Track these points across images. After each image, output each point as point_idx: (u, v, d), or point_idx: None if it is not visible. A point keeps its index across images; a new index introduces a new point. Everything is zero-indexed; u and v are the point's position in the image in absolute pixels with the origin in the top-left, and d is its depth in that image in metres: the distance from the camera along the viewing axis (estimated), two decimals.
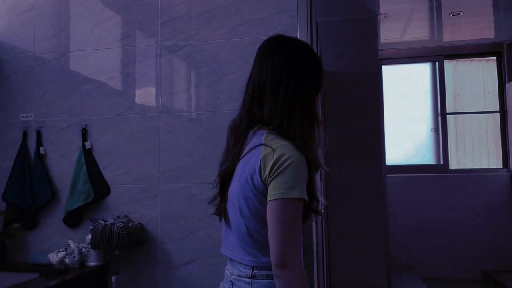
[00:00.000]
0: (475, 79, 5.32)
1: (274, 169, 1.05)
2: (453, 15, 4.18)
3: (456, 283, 4.74)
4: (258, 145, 1.10)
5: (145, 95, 2.30)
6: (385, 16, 4.15)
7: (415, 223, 4.94)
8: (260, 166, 1.07)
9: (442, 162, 5.09)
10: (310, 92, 1.16)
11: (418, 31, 4.65)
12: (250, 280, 1.14)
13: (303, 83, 1.14)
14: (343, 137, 3.90)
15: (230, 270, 1.20)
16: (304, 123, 1.11)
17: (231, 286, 1.18)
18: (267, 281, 1.12)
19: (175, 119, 2.24)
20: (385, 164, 4.13)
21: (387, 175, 4.26)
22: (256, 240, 1.13)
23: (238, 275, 1.16)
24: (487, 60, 5.29)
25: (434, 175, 5.00)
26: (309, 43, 2.00)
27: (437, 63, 5.20)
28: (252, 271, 1.14)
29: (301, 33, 2.00)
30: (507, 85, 4.95)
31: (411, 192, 4.99)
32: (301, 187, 1.06)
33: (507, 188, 4.86)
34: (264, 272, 1.12)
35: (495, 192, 4.88)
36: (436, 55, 5.18)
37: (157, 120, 2.26)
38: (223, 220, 1.23)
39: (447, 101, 5.16)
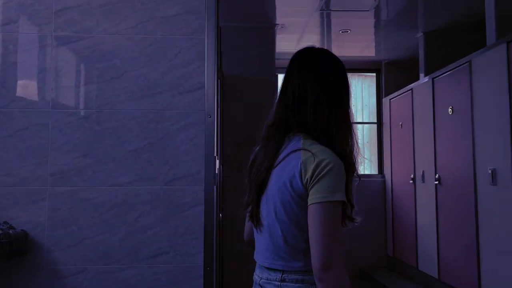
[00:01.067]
0: (358, 92, 5.84)
1: (316, 173, 1.08)
2: (342, 32, 4.54)
3: None
4: (295, 150, 1.14)
5: (33, 88, 2.07)
6: (282, 27, 4.35)
7: None
8: (300, 170, 1.10)
9: None
10: (347, 102, 1.22)
11: (311, 44, 4.96)
12: (279, 283, 1.16)
13: (342, 94, 1.21)
14: (237, 143, 3.97)
15: (259, 275, 1.23)
16: (343, 130, 1.17)
17: None
18: (297, 285, 1.14)
19: (68, 116, 2.06)
20: None
21: None
22: (289, 244, 1.15)
23: (267, 279, 1.19)
24: (365, 76, 5.84)
25: None
26: (215, 46, 2.00)
27: None
28: (282, 275, 1.16)
29: (208, 36, 1.99)
30: (383, 99, 5.52)
31: None
32: (342, 191, 1.10)
33: (382, 193, 5.41)
34: (294, 277, 1.14)
35: (372, 196, 5.39)
36: None
37: (47, 117, 2.05)
38: (252, 225, 1.25)
39: None
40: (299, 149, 1.13)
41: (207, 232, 1.97)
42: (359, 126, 5.70)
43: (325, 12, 4.01)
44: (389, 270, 5.13)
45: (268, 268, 1.19)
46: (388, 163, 5.31)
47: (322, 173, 1.08)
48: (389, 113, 5.29)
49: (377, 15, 4.10)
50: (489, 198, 3.19)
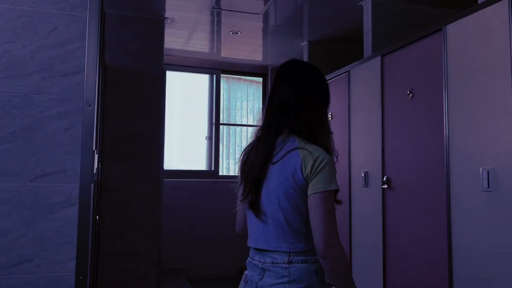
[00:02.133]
0: (245, 95, 5.91)
1: (315, 167, 1.29)
2: (232, 33, 4.54)
3: (220, 281, 5.09)
4: (294, 149, 1.33)
5: None
6: (172, 21, 4.18)
7: (187, 226, 5.09)
8: (301, 166, 1.30)
9: (213, 169, 5.42)
10: (325, 108, 1.45)
11: (200, 42, 4.87)
12: (287, 265, 1.31)
13: (321, 102, 1.43)
14: (119, 138, 3.70)
15: (259, 260, 1.37)
16: (324, 131, 1.40)
17: (262, 273, 1.35)
18: (303, 265, 1.32)
19: None
20: (163, 168, 4.11)
21: (164, 180, 4.25)
22: (293, 228, 1.33)
23: (272, 262, 1.34)
24: (251, 81, 5.95)
25: (206, 180, 5.28)
26: (98, 26, 1.79)
27: (214, 76, 5.55)
28: (289, 257, 1.32)
29: (91, 14, 1.77)
30: None
31: (184, 196, 5.13)
32: (336, 181, 1.32)
33: None
34: (299, 258, 1.33)
35: None
36: (214, 68, 5.53)
37: None
38: (250, 215, 1.41)
39: (222, 112, 5.56)
40: (297, 148, 1.34)
41: (81, 236, 1.73)
42: (244, 128, 5.77)
43: (216, 11, 3.96)
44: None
45: (273, 251, 1.35)
46: None
47: (320, 167, 1.30)
48: None
49: (266, 20, 4.18)
50: (361, 200, 3.44)
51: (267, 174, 1.36)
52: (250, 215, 1.43)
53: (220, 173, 5.46)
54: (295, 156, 1.33)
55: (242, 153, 1.50)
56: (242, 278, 1.45)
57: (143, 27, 3.91)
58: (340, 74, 3.87)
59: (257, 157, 1.39)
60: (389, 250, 3.09)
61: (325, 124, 1.43)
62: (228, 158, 5.66)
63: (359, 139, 3.52)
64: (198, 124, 5.49)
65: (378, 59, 3.27)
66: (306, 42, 4.72)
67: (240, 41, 4.80)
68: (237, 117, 5.76)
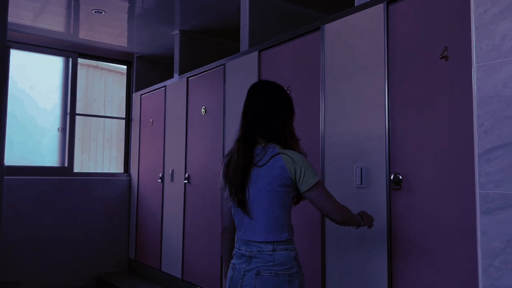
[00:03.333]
0: (106, 84, 5.36)
1: (299, 169, 1.63)
2: (95, 11, 4.03)
3: None
4: (276, 154, 1.64)
5: None
6: None
7: (32, 232, 4.38)
8: (285, 167, 1.62)
9: (67, 165, 4.79)
10: (292, 120, 1.76)
11: (54, 19, 4.22)
12: (272, 253, 1.62)
13: (288, 115, 1.74)
14: None
15: (246, 249, 1.66)
16: (293, 139, 1.71)
17: (249, 260, 1.64)
18: (284, 252, 1.62)
19: None
20: (3, 164, 3.42)
21: (4, 177, 3.55)
22: (279, 222, 1.64)
23: (259, 251, 1.63)
24: (116, 71, 5.45)
25: (58, 178, 4.63)
26: None
27: (70, 59, 4.90)
28: (273, 246, 1.62)
29: None
30: (133, 94, 5.25)
31: (30, 197, 4.40)
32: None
33: (127, 193, 5.11)
34: (282, 246, 1.63)
35: (116, 196, 5.02)
36: (70, 50, 4.88)
37: None
38: (238, 212, 1.70)
39: (78, 101, 4.94)
40: (278, 153, 1.65)
41: None
42: (110, 120, 5.24)
43: None
44: (130, 274, 4.86)
45: (260, 242, 1.63)
46: (135, 161, 5.05)
47: (303, 167, 1.64)
48: (139, 109, 5.05)
49: (133, 1, 3.80)
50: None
51: (252, 176, 1.66)
52: (238, 212, 1.70)
53: (75, 170, 4.85)
54: (279, 159, 1.64)
55: (224, 160, 1.79)
56: (230, 267, 1.72)
57: None
58: (214, 68, 3.73)
59: (238, 163, 1.66)
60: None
61: (293, 133, 1.75)
62: (82, 153, 5.06)
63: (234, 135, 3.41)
64: (49, 114, 4.78)
65: (256, 54, 3.21)
66: (178, 31, 4.46)
67: (103, 22, 4.29)
68: (93, 108, 5.19)
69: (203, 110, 3.83)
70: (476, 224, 1.53)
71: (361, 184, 2.35)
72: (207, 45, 4.60)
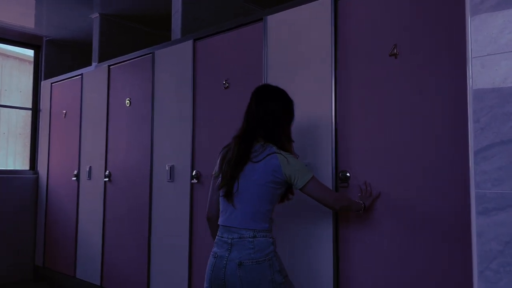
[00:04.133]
0: (8, 72, 4.74)
1: (294, 169, 1.78)
2: None
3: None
4: (272, 153, 1.79)
5: None
6: None
7: None
8: (280, 166, 1.77)
9: None
10: (291, 124, 1.94)
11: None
12: (252, 239, 1.74)
13: (288, 120, 1.92)
14: None
15: (228, 236, 1.77)
16: (289, 142, 1.90)
17: (229, 247, 1.75)
18: (263, 239, 1.75)
19: None
20: None
21: None
22: (263, 213, 1.77)
23: (239, 237, 1.74)
24: (21, 59, 4.84)
25: None
26: None
27: None
28: (254, 232, 1.75)
29: None
30: (42, 82, 4.70)
31: None
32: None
33: (34, 192, 4.56)
34: (261, 234, 1.76)
35: (20, 196, 4.45)
36: None
37: None
38: (224, 200, 1.82)
39: None
40: (275, 152, 1.79)
41: None
42: (12, 112, 4.62)
43: None
44: (37, 283, 4.35)
45: (242, 229, 1.75)
46: (44, 157, 4.52)
47: (298, 166, 1.80)
48: (49, 99, 4.53)
49: None
50: (166, 195, 3.12)
51: (246, 170, 1.78)
52: (224, 200, 1.82)
53: None
54: (275, 158, 1.77)
55: (222, 151, 1.92)
56: (211, 255, 1.80)
57: None
58: (141, 56, 3.44)
59: (233, 157, 1.80)
60: (195, 233, 2.88)
61: (289, 135, 1.91)
62: None
63: (165, 129, 3.17)
64: None
65: (190, 43, 3.01)
66: (98, 15, 4.05)
67: None
68: None
69: (127, 101, 3.52)
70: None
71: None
72: (130, 32, 4.25)
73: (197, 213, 2.88)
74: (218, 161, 1.92)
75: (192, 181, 2.89)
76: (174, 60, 3.15)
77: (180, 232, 2.96)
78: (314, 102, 2.29)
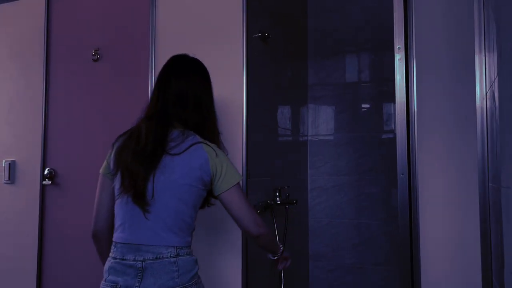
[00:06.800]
0: None
1: (221, 164, 1.32)
2: None
3: None
4: (197, 143, 1.32)
5: None
6: None
7: None
8: (208, 160, 1.31)
9: None
10: (214, 106, 1.45)
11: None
12: (175, 259, 1.26)
13: (211, 100, 1.44)
14: None
15: (135, 258, 1.25)
16: (216, 129, 1.42)
17: (139, 273, 1.24)
18: (188, 257, 1.30)
19: None
20: None
21: None
22: (186, 223, 1.31)
23: (156, 258, 1.25)
24: None
25: None
26: None
27: None
28: (176, 250, 1.28)
29: None
30: None
31: None
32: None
33: None
34: (186, 250, 1.31)
35: None
36: None
37: None
38: (128, 208, 1.29)
39: None
40: (200, 142, 1.33)
41: None
42: None
43: None
44: None
45: (159, 246, 1.26)
46: None
47: (225, 163, 1.34)
48: None
49: None
50: (1, 201, 2.30)
51: (161, 165, 1.29)
52: (129, 208, 1.30)
53: None
54: (200, 149, 1.32)
55: (118, 140, 1.39)
56: (105, 286, 1.28)
57: None
58: None
59: (146, 148, 1.30)
60: (47, 254, 2.16)
61: (216, 122, 1.44)
62: None
63: (11, 114, 2.34)
64: None
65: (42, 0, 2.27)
66: None
67: None
68: None
69: None
70: None
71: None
72: None
73: (50, 226, 2.16)
74: (113, 153, 1.37)
75: (44, 182, 2.17)
76: (16, 21, 2.34)
77: (24, 252, 2.20)
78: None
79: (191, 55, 1.47)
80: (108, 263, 1.30)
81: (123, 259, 1.27)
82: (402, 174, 1.47)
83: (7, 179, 2.25)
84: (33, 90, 2.24)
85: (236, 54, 1.83)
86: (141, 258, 1.25)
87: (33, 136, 2.21)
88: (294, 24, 2.69)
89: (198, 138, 1.35)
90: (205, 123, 1.40)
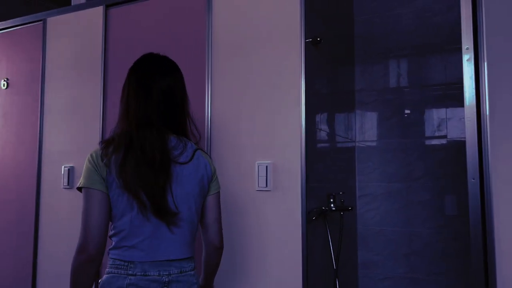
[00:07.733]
0: None
1: (215, 170, 1.37)
2: None
3: None
4: (196, 149, 1.32)
5: None
6: None
7: None
8: (210, 169, 1.34)
9: None
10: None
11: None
12: (194, 271, 1.30)
13: (188, 103, 1.38)
14: None
15: (161, 273, 1.22)
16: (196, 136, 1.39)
17: (164, 287, 1.22)
18: (196, 270, 1.32)
19: None
20: None
21: None
22: (196, 233, 1.32)
23: (181, 272, 1.25)
24: None
25: None
26: None
27: None
28: (193, 262, 1.31)
29: None
30: None
31: None
32: None
33: None
34: (194, 263, 1.33)
35: None
36: None
37: None
38: (146, 223, 1.22)
39: None
40: (198, 149, 1.33)
41: None
42: None
43: None
44: None
45: (181, 260, 1.26)
46: None
47: (215, 170, 1.38)
48: None
49: None
50: (61, 206, 2.37)
51: (174, 175, 1.25)
52: (150, 223, 1.22)
53: None
54: (201, 157, 1.32)
55: (109, 147, 1.24)
56: None
57: None
58: (26, 24, 2.63)
59: (154, 158, 1.21)
60: None
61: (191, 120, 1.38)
62: None
63: (59, 118, 2.42)
64: None
65: (100, 10, 2.34)
66: None
67: None
68: None
69: (3, 83, 2.66)
70: None
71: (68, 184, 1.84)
72: None
73: None
74: (112, 167, 1.21)
75: None
76: (76, 30, 2.43)
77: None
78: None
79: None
80: (124, 280, 1.19)
81: (147, 275, 1.21)
82: (473, 179, 1.42)
83: (66, 184, 2.32)
84: (92, 97, 2.31)
85: (294, 59, 1.82)
86: (167, 273, 1.23)
87: (90, 143, 2.28)
88: (343, 28, 2.67)
89: (193, 143, 1.34)
90: (187, 128, 1.36)
